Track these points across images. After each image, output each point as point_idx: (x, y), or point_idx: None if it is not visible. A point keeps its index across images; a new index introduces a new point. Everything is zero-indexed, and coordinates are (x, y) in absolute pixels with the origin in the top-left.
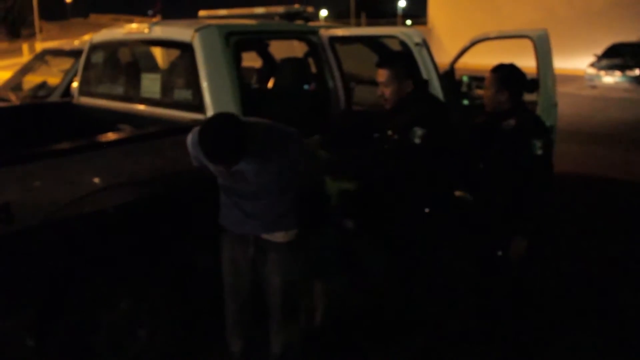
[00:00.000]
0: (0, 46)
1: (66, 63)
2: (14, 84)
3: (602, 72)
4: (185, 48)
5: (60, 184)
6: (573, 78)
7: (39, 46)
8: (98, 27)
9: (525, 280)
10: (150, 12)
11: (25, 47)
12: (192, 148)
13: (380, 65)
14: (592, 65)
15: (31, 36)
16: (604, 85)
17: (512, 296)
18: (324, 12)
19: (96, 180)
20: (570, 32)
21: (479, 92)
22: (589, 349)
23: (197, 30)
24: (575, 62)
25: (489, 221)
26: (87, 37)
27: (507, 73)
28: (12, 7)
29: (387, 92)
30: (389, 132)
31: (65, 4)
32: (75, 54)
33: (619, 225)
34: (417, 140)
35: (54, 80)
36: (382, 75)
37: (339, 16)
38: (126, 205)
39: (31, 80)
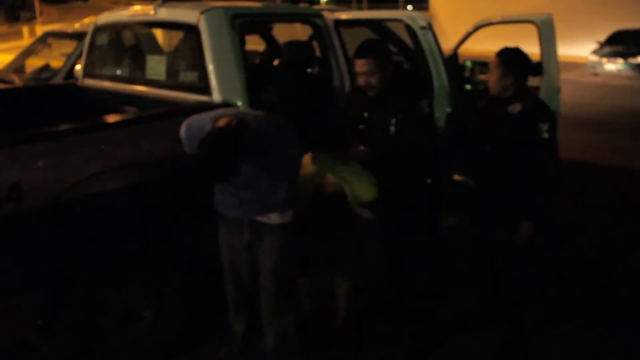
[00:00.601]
0: (0, 29)
1: (68, 46)
2: (17, 67)
3: (605, 60)
4: (191, 30)
5: (69, 164)
6: (575, 65)
7: (39, 29)
8: (98, 10)
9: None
10: None
11: (25, 30)
12: (186, 140)
13: (362, 56)
14: (595, 52)
15: (30, 19)
16: (606, 73)
17: (513, 283)
18: None
19: (104, 161)
20: (573, 19)
21: (482, 77)
22: (585, 339)
23: (203, 12)
24: (577, 49)
25: (495, 203)
26: (87, 20)
27: (512, 56)
28: None
29: (374, 80)
30: (393, 117)
31: None
32: (77, 36)
33: (620, 212)
34: (426, 109)
35: (55, 63)
36: (366, 65)
37: (340, 0)
38: (133, 186)
39: (32, 64)
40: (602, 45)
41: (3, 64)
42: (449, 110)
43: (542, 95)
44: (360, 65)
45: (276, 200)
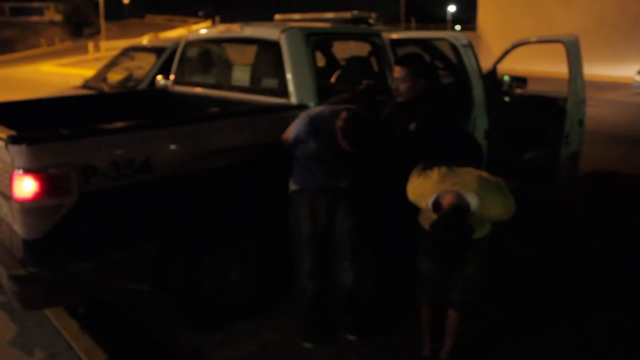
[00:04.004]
0: (66, 45)
1: (144, 59)
2: (102, 77)
3: None
4: (273, 45)
5: (185, 145)
6: (621, 85)
7: (104, 45)
8: (154, 27)
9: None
10: (200, 13)
11: (90, 45)
12: (307, 133)
13: (398, 63)
14: None
15: (92, 35)
16: None
17: None
18: None
19: (209, 144)
20: (621, 40)
21: (519, 91)
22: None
23: (283, 31)
24: (624, 69)
25: None
26: (146, 38)
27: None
28: (77, 7)
29: (403, 87)
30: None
31: (123, 4)
32: (155, 50)
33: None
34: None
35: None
36: (400, 72)
37: (388, 21)
38: (233, 166)
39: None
40: None
41: (70, 76)
42: (485, 118)
43: (569, 105)
44: (397, 71)
45: (349, 170)
